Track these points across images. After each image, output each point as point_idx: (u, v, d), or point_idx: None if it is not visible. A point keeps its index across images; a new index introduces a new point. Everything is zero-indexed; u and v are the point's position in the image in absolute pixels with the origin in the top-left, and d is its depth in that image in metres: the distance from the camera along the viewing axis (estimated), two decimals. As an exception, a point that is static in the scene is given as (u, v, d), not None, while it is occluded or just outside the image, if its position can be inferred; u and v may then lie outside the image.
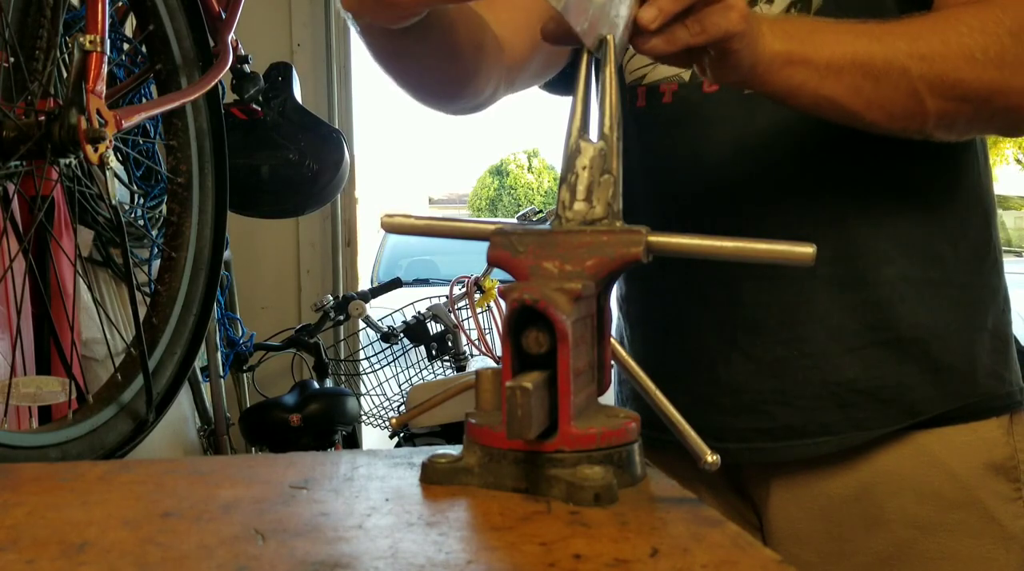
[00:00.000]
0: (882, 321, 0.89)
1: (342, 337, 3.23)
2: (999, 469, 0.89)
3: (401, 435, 2.90)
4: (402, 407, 3.10)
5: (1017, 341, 0.99)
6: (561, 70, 1.06)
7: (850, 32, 0.78)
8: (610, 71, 0.63)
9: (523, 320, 0.55)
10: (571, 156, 0.63)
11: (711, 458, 0.61)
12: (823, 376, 0.89)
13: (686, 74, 0.94)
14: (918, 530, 0.88)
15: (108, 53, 1.05)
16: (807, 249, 0.58)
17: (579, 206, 0.62)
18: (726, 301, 0.92)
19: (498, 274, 3.06)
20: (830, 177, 0.90)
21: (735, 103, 0.91)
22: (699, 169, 0.94)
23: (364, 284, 3.97)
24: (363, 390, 3.20)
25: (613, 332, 0.99)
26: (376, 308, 3.21)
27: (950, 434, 0.89)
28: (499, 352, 2.83)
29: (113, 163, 1.06)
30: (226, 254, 1.86)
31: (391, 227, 0.69)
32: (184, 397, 2.41)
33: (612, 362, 0.65)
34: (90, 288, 1.63)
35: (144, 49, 1.36)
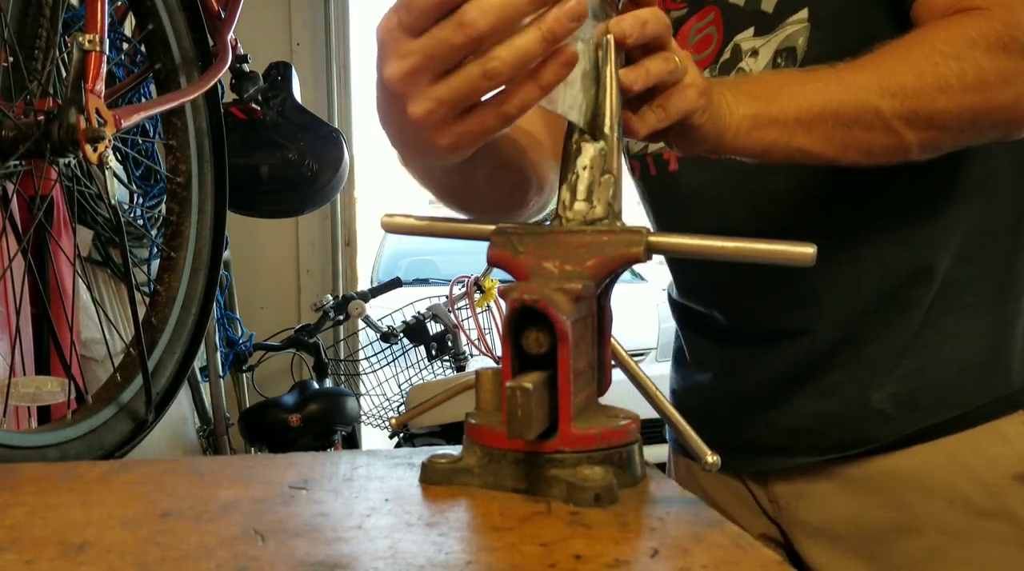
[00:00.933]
0: (922, 337, 0.92)
1: (342, 337, 3.23)
2: (1022, 478, 0.90)
3: (401, 435, 2.90)
4: (402, 407, 3.10)
5: None
6: None
7: (817, 81, 0.77)
8: (610, 71, 0.63)
9: (523, 320, 0.54)
10: (572, 156, 0.63)
11: (711, 459, 0.61)
12: (870, 395, 0.93)
13: None
14: (948, 537, 0.89)
15: (107, 53, 1.05)
16: (807, 249, 0.58)
17: (580, 206, 0.62)
18: (780, 341, 0.96)
19: (498, 274, 3.06)
20: (859, 220, 0.92)
21: (744, 166, 0.93)
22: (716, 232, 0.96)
23: (364, 284, 3.97)
24: (363, 390, 3.20)
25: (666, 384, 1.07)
26: (376, 308, 3.21)
27: (981, 441, 0.90)
28: (499, 352, 2.83)
29: (112, 163, 1.06)
30: (226, 254, 1.85)
31: (391, 227, 0.69)
32: (183, 397, 2.41)
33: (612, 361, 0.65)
34: (89, 288, 1.63)
35: (143, 48, 1.36)
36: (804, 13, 0.88)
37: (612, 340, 0.64)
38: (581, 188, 0.63)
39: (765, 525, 1.02)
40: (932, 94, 0.76)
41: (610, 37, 0.64)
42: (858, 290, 0.92)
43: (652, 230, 0.60)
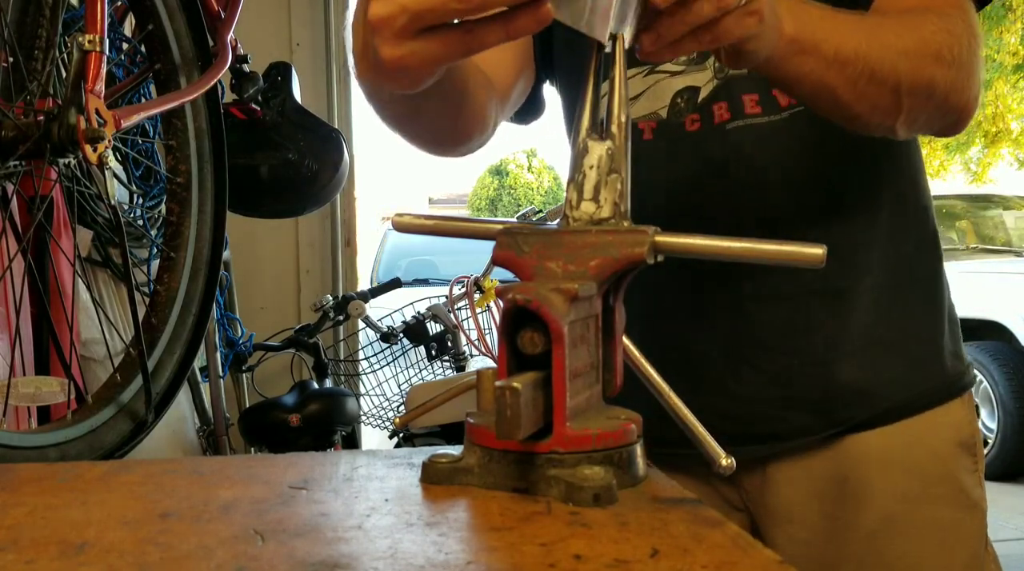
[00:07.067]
0: (868, 327, 0.97)
1: (341, 337, 3.23)
2: (964, 445, 0.99)
3: (400, 435, 2.90)
4: (402, 407, 3.10)
5: None
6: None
7: (848, 25, 0.80)
8: (618, 71, 0.63)
9: (519, 320, 0.54)
10: (578, 155, 0.63)
11: (725, 461, 0.61)
12: (825, 381, 0.97)
13: (664, 112, 0.99)
14: (905, 503, 0.96)
15: (107, 53, 1.05)
16: (817, 250, 0.58)
17: (586, 206, 0.62)
18: (731, 322, 0.98)
19: (498, 274, 3.06)
20: (813, 206, 0.96)
21: (716, 140, 0.96)
22: (680, 201, 0.99)
23: (364, 284, 3.97)
24: (362, 390, 3.20)
25: None
26: (376, 308, 3.21)
27: (929, 418, 0.98)
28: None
29: (112, 163, 1.06)
30: (225, 254, 1.85)
31: (402, 226, 0.70)
32: (183, 397, 2.40)
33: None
34: (89, 288, 1.63)
35: (143, 49, 1.36)
36: None
37: (624, 341, 0.63)
38: (588, 188, 0.62)
39: (737, 519, 1.04)
40: (928, 61, 0.81)
41: (620, 35, 0.64)
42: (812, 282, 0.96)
43: (657, 230, 0.60)
